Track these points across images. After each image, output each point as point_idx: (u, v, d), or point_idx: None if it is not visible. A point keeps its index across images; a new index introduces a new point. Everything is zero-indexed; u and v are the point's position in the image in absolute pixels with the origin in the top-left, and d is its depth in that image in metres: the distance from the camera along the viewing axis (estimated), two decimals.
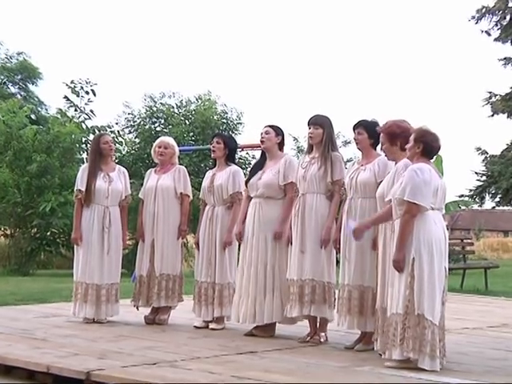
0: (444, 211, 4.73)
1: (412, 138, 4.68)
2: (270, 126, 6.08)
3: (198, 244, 6.43)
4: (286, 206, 5.86)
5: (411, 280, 4.46)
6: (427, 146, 4.64)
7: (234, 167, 6.45)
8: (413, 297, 4.45)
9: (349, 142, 22.72)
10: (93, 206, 6.48)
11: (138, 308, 6.63)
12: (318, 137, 5.68)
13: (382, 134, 5.02)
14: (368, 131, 5.40)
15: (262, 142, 6.07)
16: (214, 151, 6.41)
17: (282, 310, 5.73)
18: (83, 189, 6.51)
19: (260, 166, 6.13)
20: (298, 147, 23.57)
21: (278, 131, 6.07)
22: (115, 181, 6.56)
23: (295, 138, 23.58)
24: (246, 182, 6.15)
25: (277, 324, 5.91)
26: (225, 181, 6.30)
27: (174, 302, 6.56)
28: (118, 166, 6.80)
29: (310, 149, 5.81)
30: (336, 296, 5.50)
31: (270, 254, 5.85)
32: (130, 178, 7.04)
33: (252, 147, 13.50)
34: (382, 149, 5.14)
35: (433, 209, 4.56)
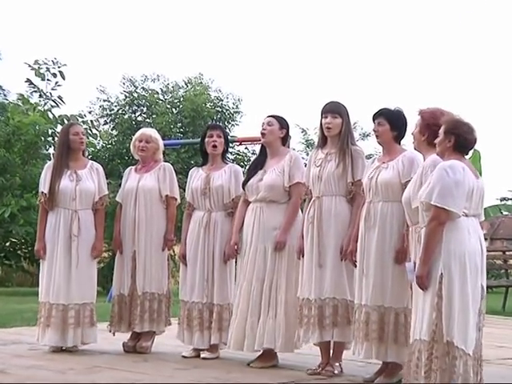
0: (482, 218, 4.70)
1: (442, 130, 4.65)
2: (273, 117, 6.10)
3: (184, 257, 6.42)
4: (290, 212, 5.89)
5: (438, 300, 4.41)
6: (460, 139, 4.62)
7: (233, 166, 6.49)
8: (440, 320, 4.39)
9: (367, 135, 22.78)
10: (58, 210, 6.47)
11: (114, 334, 6.63)
12: (337, 128, 5.70)
13: (419, 117, 5.01)
14: (391, 122, 5.40)
15: (262, 134, 6.09)
16: (215, 146, 6.40)
17: (284, 334, 5.74)
18: (46, 191, 6.50)
19: (260, 164, 6.14)
20: (306, 140, 23.63)
21: (283, 123, 6.10)
22: (84, 179, 6.52)
23: (304, 130, 23.65)
24: (244, 184, 6.16)
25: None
26: (226, 182, 6.32)
27: (160, 327, 6.56)
28: (90, 161, 6.78)
29: (324, 142, 5.82)
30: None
31: (270, 268, 5.86)
32: (107, 178, 7.04)
33: (252, 141, 13.52)
34: (412, 133, 5.13)
35: (466, 215, 4.54)
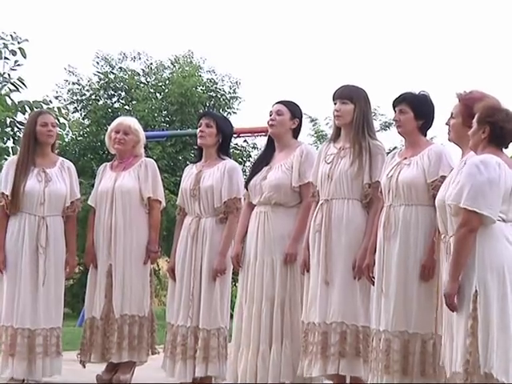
0: None
1: (475, 119, 4.62)
2: (283, 104, 6.09)
3: (173, 271, 6.42)
4: (302, 217, 5.88)
5: (473, 323, 4.38)
6: (496, 129, 4.57)
7: (229, 162, 6.42)
8: (476, 348, 4.36)
9: (390, 125, 22.77)
10: (22, 216, 6.49)
11: (84, 365, 6.61)
12: (348, 115, 5.68)
13: (458, 103, 4.99)
14: (415, 109, 5.37)
15: (270, 125, 6.06)
16: (202, 137, 6.38)
17: (293, 364, 5.75)
18: (8, 192, 6.51)
19: (265, 159, 6.14)
20: (316, 132, 23.62)
21: (295, 112, 6.09)
22: (54, 180, 6.54)
23: (313, 120, 23.65)
24: (247, 183, 6.16)
25: None
26: (217, 181, 6.29)
27: (142, 356, 6.56)
28: (60, 158, 6.78)
29: (337, 134, 5.83)
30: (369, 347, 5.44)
31: (279, 286, 5.85)
32: (78, 177, 7.05)
33: (252, 133, 13.57)
34: (446, 123, 5.11)
35: (504, 220, 4.53)
